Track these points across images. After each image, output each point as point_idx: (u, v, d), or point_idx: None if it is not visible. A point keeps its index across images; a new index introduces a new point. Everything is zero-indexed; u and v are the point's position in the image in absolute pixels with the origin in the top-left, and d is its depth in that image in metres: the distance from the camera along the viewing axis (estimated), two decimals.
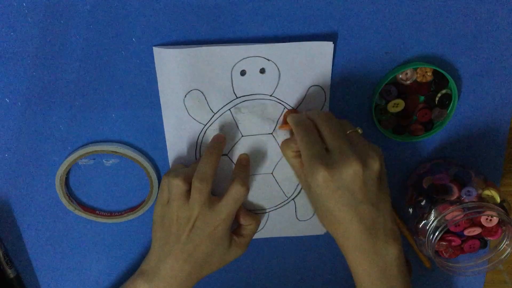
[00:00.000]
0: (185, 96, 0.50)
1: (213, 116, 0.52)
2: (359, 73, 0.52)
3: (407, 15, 0.50)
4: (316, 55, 0.50)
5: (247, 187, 0.51)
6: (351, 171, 0.45)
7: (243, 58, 0.49)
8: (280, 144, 0.53)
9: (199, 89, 0.50)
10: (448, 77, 0.51)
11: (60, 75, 0.50)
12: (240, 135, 0.53)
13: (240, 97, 0.51)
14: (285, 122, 0.53)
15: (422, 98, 0.53)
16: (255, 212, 0.58)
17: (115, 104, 0.52)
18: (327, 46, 0.49)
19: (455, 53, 0.52)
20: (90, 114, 0.52)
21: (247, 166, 0.54)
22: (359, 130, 0.49)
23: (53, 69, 0.50)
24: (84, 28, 0.48)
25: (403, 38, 0.51)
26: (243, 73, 0.50)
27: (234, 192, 0.50)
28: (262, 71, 0.50)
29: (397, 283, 0.47)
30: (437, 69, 0.51)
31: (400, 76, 0.52)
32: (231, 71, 0.49)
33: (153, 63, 0.50)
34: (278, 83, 0.51)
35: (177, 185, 0.49)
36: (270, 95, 0.51)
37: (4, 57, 0.49)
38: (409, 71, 0.51)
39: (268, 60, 0.49)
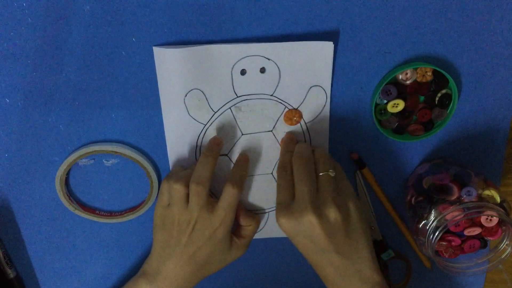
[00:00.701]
0: (186, 95, 0.50)
1: (213, 115, 0.52)
2: (359, 73, 0.52)
3: (407, 15, 0.50)
4: (317, 55, 0.50)
5: (238, 189, 0.50)
6: (306, 221, 0.46)
7: (243, 57, 0.49)
8: (279, 141, 0.54)
9: (199, 88, 0.50)
10: (448, 77, 0.51)
11: (60, 75, 0.50)
12: (240, 133, 0.53)
13: (240, 96, 0.51)
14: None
15: (422, 98, 0.53)
16: (255, 212, 0.58)
17: (115, 104, 0.52)
18: (328, 46, 0.49)
19: (455, 53, 0.52)
20: (90, 114, 0.52)
21: (244, 166, 0.54)
22: (330, 173, 0.49)
23: (53, 69, 0.50)
24: (84, 28, 0.48)
25: (403, 38, 0.51)
26: (243, 72, 0.50)
27: (226, 194, 0.50)
28: (263, 70, 0.50)
29: None
30: (437, 69, 0.51)
31: (400, 76, 0.52)
32: (231, 70, 0.49)
33: (153, 63, 0.50)
34: (278, 83, 0.51)
35: (177, 190, 0.49)
36: (271, 95, 0.51)
37: (4, 57, 0.49)
38: (409, 71, 0.51)
39: (269, 59, 0.49)
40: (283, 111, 0.52)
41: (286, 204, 0.48)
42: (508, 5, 0.50)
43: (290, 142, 0.53)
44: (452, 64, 0.53)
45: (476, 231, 0.54)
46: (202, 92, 0.50)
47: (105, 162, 0.55)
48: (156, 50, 0.48)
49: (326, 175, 0.49)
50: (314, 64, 0.50)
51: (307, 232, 0.47)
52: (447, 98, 0.53)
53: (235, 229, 0.55)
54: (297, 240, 0.48)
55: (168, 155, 0.54)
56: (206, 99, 0.51)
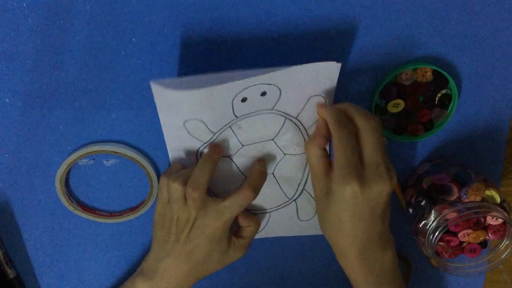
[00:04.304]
0: (185, 122, 0.49)
1: (214, 135, 0.51)
2: (359, 73, 0.52)
3: (407, 15, 0.50)
4: (321, 74, 0.48)
5: (255, 195, 0.50)
6: (380, 189, 0.45)
7: (244, 89, 0.47)
8: (281, 147, 0.53)
9: (199, 118, 0.49)
10: (448, 77, 0.51)
11: (60, 75, 0.50)
12: (241, 145, 0.53)
13: (240, 116, 0.50)
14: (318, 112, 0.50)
15: (422, 98, 0.53)
16: (256, 213, 0.58)
17: (115, 104, 0.52)
18: (334, 67, 0.47)
19: (455, 53, 0.52)
20: (90, 114, 0.52)
21: (264, 176, 0.53)
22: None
23: (53, 69, 0.50)
24: (84, 28, 0.48)
25: (403, 38, 0.51)
26: (244, 100, 0.48)
27: (242, 196, 0.49)
28: (263, 94, 0.48)
29: (394, 285, 0.50)
30: (437, 69, 0.51)
31: (400, 76, 0.52)
32: (232, 102, 0.48)
33: (153, 63, 0.50)
34: (278, 99, 0.49)
35: (175, 188, 0.49)
36: (271, 109, 0.50)
37: (4, 57, 0.49)
38: (409, 71, 0.51)
39: (270, 84, 0.47)
40: (284, 123, 0.52)
41: (358, 168, 0.45)
42: (508, 5, 0.50)
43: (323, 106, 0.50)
44: (452, 64, 0.53)
45: (479, 236, 0.54)
46: (202, 121, 0.49)
47: (105, 162, 0.55)
48: (154, 86, 0.45)
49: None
50: (317, 83, 0.48)
51: (373, 200, 0.46)
52: (447, 98, 0.53)
53: (235, 230, 0.55)
54: (354, 207, 0.46)
55: (169, 154, 0.54)
56: (206, 126, 0.50)
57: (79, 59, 0.49)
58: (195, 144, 0.52)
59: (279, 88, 0.47)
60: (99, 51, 0.49)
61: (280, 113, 0.50)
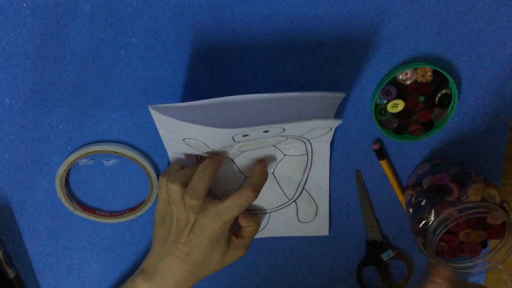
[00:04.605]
0: (184, 139, 0.49)
1: (213, 150, 0.51)
2: (359, 73, 0.52)
3: (407, 15, 0.50)
4: (323, 104, 0.47)
5: (255, 196, 0.50)
6: None
7: (245, 130, 0.46)
8: (280, 148, 0.53)
9: (198, 139, 0.48)
10: (448, 77, 0.51)
11: (60, 75, 0.50)
12: (240, 152, 0.52)
13: (241, 141, 0.49)
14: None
15: (422, 98, 0.53)
16: (256, 213, 0.58)
17: (115, 104, 0.52)
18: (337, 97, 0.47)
19: (455, 53, 0.52)
20: (90, 114, 0.52)
21: (265, 176, 0.52)
22: None
23: (53, 69, 0.50)
24: (84, 28, 0.48)
25: (403, 38, 0.51)
26: (245, 135, 0.47)
27: (242, 196, 0.49)
28: (266, 131, 0.47)
29: None
30: (437, 69, 0.51)
31: (400, 76, 0.52)
32: (233, 136, 0.47)
33: (153, 63, 0.50)
34: (281, 132, 0.48)
35: (174, 190, 0.49)
36: (273, 136, 0.49)
37: (4, 57, 0.49)
38: (409, 71, 0.51)
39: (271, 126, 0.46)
40: (286, 140, 0.51)
41: None
42: (507, 5, 0.50)
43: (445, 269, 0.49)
44: (452, 64, 0.53)
45: (480, 236, 0.54)
46: (202, 142, 0.49)
47: (105, 162, 0.55)
48: (153, 112, 0.45)
49: None
50: (319, 111, 0.48)
51: None
52: (447, 98, 0.53)
53: (235, 230, 0.55)
54: None
55: (169, 155, 0.54)
56: (205, 144, 0.49)
57: (79, 59, 0.49)
58: (194, 151, 0.52)
59: (283, 128, 0.46)
60: (99, 51, 0.49)
61: (283, 135, 0.50)
